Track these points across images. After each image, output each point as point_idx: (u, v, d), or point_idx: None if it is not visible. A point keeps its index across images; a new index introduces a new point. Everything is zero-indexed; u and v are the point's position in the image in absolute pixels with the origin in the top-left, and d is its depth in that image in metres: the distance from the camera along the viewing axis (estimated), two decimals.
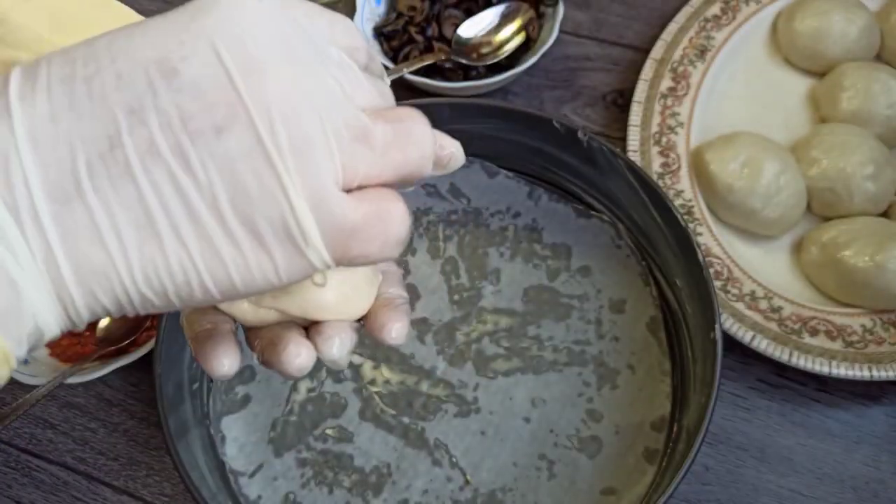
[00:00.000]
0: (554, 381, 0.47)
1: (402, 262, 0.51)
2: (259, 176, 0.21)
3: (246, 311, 0.27)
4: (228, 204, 0.21)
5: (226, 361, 0.27)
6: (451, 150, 0.29)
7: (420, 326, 0.49)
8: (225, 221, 0.21)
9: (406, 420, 0.46)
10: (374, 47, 0.61)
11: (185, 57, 0.21)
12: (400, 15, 0.63)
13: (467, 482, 0.44)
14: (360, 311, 0.29)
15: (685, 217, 0.50)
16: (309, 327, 0.28)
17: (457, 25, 0.61)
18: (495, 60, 0.60)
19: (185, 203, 0.21)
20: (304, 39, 0.23)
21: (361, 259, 0.23)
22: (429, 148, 0.25)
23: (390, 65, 0.59)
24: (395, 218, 0.24)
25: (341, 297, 0.28)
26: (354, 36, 0.26)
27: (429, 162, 0.25)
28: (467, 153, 0.53)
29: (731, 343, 0.48)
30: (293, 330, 0.27)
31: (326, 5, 0.71)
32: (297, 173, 0.21)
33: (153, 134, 0.20)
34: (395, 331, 0.28)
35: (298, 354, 0.26)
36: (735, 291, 0.50)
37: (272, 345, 0.27)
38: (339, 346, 0.27)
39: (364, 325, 0.29)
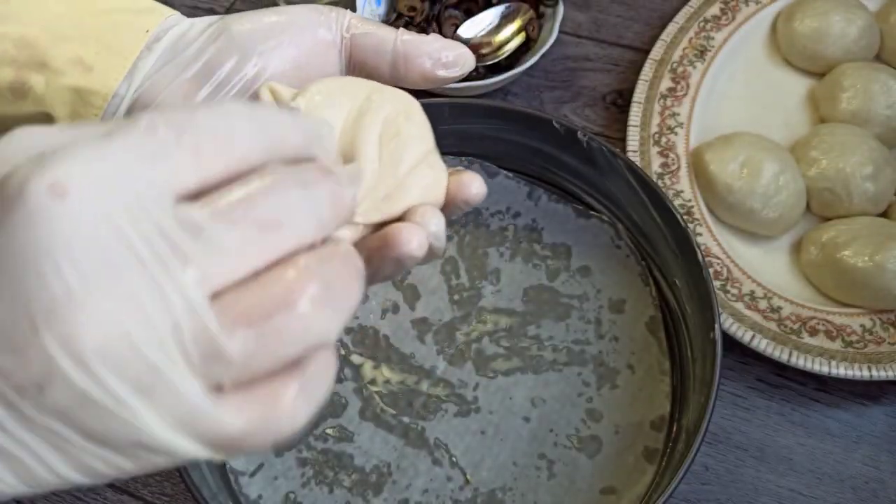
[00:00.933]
0: (554, 380, 0.47)
1: None
2: (106, 423, 0.18)
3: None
4: (88, 442, 0.19)
5: (416, 233, 0.27)
6: (458, 52, 0.30)
7: (420, 326, 0.49)
8: (99, 454, 0.19)
9: (406, 420, 0.46)
10: None
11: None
12: (400, 15, 0.63)
13: (467, 482, 0.44)
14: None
15: (685, 217, 0.50)
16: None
17: (457, 26, 0.61)
18: (495, 61, 0.60)
19: (36, 454, 0.19)
20: (129, 240, 0.18)
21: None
22: (315, 331, 0.19)
23: None
24: (283, 418, 0.20)
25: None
26: (213, 153, 0.19)
27: (321, 340, 0.20)
28: (467, 153, 0.53)
29: (731, 343, 0.48)
30: (397, 223, 0.27)
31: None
32: (148, 410, 0.18)
33: None
34: (476, 187, 0.30)
35: (415, 235, 0.26)
36: (734, 291, 0.50)
37: (384, 239, 0.26)
38: (437, 221, 0.28)
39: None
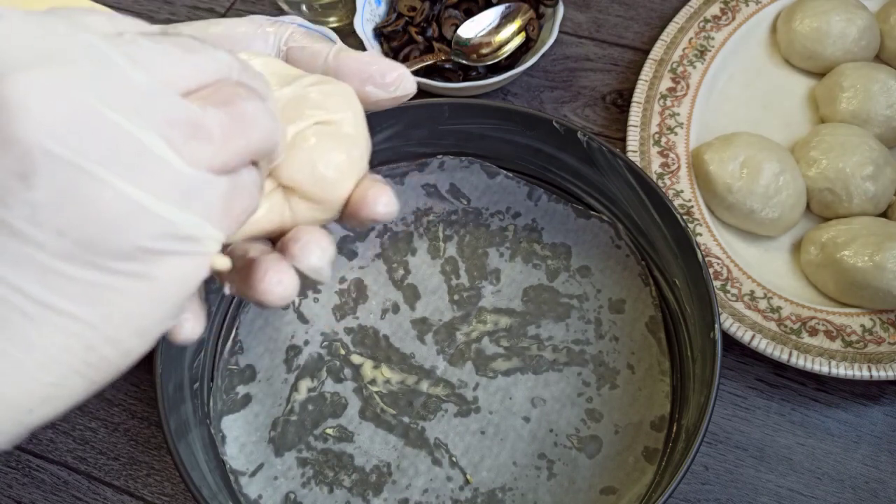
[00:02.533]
0: (553, 380, 0.47)
1: (402, 262, 0.51)
2: (104, 202, 0.18)
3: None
4: (83, 246, 0.18)
5: (282, 278, 0.24)
6: (396, 74, 0.28)
7: (420, 326, 0.49)
8: (95, 263, 0.19)
9: (406, 419, 0.46)
10: (375, 47, 0.61)
11: None
12: (400, 15, 0.63)
13: (467, 481, 0.44)
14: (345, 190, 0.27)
15: (684, 217, 0.50)
16: (275, 242, 0.26)
17: (457, 26, 0.61)
18: (495, 61, 0.60)
19: (41, 270, 0.18)
20: (76, 37, 0.19)
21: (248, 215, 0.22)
22: (267, 124, 0.22)
23: None
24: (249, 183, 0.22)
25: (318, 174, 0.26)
26: None
27: (274, 136, 0.23)
28: (467, 153, 0.54)
29: (731, 343, 0.48)
30: (269, 254, 0.25)
31: (325, 6, 0.71)
32: (139, 187, 0.19)
33: None
34: (383, 204, 0.26)
35: (280, 282, 0.24)
36: (734, 291, 0.50)
37: (247, 272, 0.24)
38: (319, 253, 0.25)
39: (343, 214, 0.27)
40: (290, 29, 0.31)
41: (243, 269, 0.24)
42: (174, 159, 0.19)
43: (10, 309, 0.18)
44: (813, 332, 0.48)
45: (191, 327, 0.24)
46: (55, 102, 0.18)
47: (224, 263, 0.23)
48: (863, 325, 0.48)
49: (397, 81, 0.29)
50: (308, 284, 0.25)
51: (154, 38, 0.21)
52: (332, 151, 0.26)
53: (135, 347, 0.21)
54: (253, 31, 0.31)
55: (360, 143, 0.28)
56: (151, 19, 0.72)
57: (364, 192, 0.27)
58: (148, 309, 0.20)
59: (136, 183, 0.19)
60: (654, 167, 0.55)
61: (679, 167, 0.55)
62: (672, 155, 0.56)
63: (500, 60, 0.60)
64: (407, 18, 0.62)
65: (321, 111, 0.27)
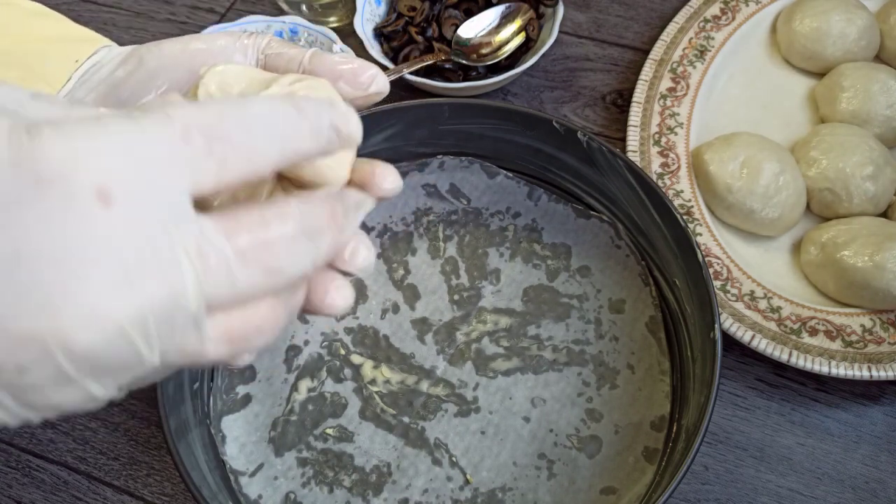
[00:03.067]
0: (553, 380, 0.47)
1: (402, 262, 0.51)
2: (63, 397, 0.19)
3: None
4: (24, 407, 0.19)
5: (344, 292, 0.26)
6: (369, 74, 0.29)
7: (420, 326, 0.49)
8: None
9: (406, 419, 0.46)
10: (375, 47, 0.61)
11: None
12: (400, 15, 0.63)
13: (467, 481, 0.44)
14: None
15: (684, 217, 0.50)
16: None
17: (457, 26, 0.61)
18: (495, 61, 0.60)
19: None
20: (154, 253, 0.19)
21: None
22: (292, 274, 0.22)
23: (390, 65, 0.59)
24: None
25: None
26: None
27: (289, 281, 0.22)
28: (467, 153, 0.53)
29: (731, 343, 0.48)
30: (327, 271, 0.26)
31: (325, 6, 0.71)
32: (103, 386, 0.20)
33: None
34: (390, 182, 0.28)
35: (343, 296, 0.26)
36: (734, 291, 0.50)
37: (309, 292, 0.26)
38: (365, 253, 0.26)
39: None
40: (267, 38, 0.32)
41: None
42: (154, 366, 0.20)
43: None
44: (813, 332, 0.48)
45: (342, 298, 0.26)
46: (94, 323, 0.18)
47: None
48: (863, 325, 0.48)
49: (369, 80, 0.30)
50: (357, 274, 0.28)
51: (238, 255, 0.20)
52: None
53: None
54: (231, 43, 0.31)
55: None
56: (152, 19, 0.72)
57: (371, 171, 0.28)
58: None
59: (104, 384, 0.19)
60: (654, 167, 0.55)
61: (679, 167, 0.55)
62: (672, 155, 0.56)
63: (500, 60, 0.60)
64: (407, 18, 0.62)
65: None
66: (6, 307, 0.18)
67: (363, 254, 0.26)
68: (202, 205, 0.21)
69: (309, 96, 0.25)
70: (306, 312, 0.26)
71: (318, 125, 0.23)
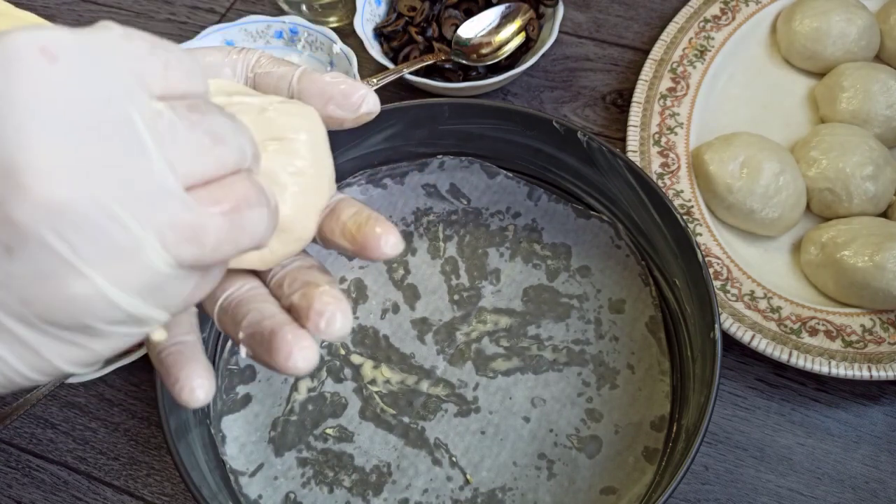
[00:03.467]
0: (553, 380, 0.47)
1: (402, 262, 0.51)
2: (73, 290, 0.19)
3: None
4: (41, 317, 0.19)
5: (200, 382, 0.25)
6: (359, 94, 0.29)
7: (420, 326, 0.49)
8: (44, 330, 0.20)
9: (406, 420, 0.46)
10: (375, 47, 0.61)
11: None
12: (400, 15, 0.63)
13: (467, 481, 0.44)
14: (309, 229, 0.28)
15: (684, 217, 0.50)
16: (290, 309, 0.27)
17: (457, 26, 0.61)
18: (495, 61, 0.60)
19: None
20: (107, 112, 0.19)
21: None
22: (262, 233, 0.23)
23: (390, 65, 0.59)
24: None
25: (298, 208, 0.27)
26: (173, 71, 0.21)
27: (265, 241, 0.23)
28: (467, 153, 0.53)
29: (731, 343, 0.48)
30: (286, 325, 0.26)
31: (325, 6, 0.71)
32: (114, 282, 0.19)
33: None
34: (391, 246, 0.27)
35: (305, 358, 0.25)
36: (734, 291, 0.50)
37: (265, 343, 0.25)
38: (342, 321, 0.26)
39: (350, 251, 0.28)
40: (257, 55, 0.31)
41: (261, 340, 0.25)
42: (160, 260, 0.20)
43: None
44: (813, 332, 0.48)
45: (203, 393, 0.25)
46: (65, 189, 0.18)
47: (161, 336, 0.24)
48: (863, 325, 0.48)
49: (359, 101, 0.29)
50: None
51: (192, 121, 0.21)
52: (285, 188, 0.27)
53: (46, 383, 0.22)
54: (220, 59, 0.31)
55: (317, 165, 0.28)
56: (151, 19, 0.72)
57: (370, 232, 0.27)
58: (74, 362, 0.21)
59: (114, 278, 0.19)
60: (654, 167, 0.55)
61: (679, 167, 0.55)
62: (672, 155, 0.56)
63: (500, 60, 0.60)
64: (407, 18, 0.62)
65: (275, 133, 0.27)
66: None
67: (339, 321, 0.26)
68: None
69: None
70: (260, 363, 0.26)
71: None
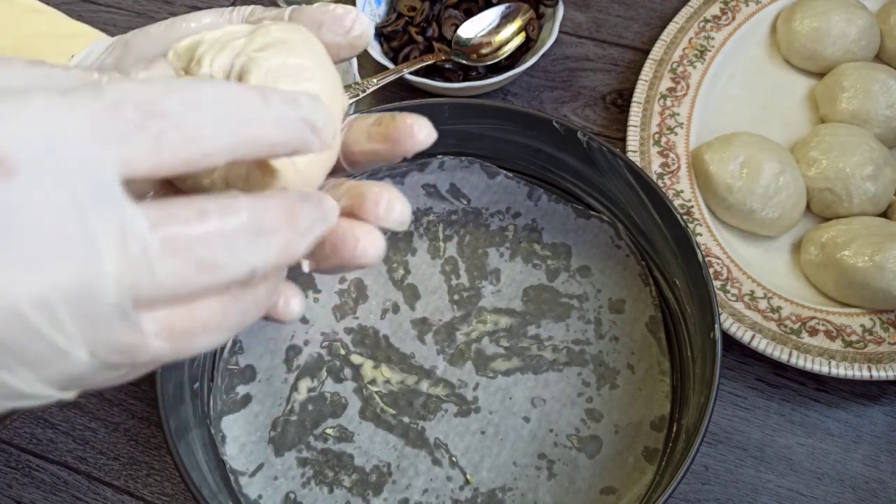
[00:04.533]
0: (553, 380, 0.47)
1: (402, 262, 0.51)
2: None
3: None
4: None
5: (374, 241, 0.24)
6: (350, 17, 0.28)
7: (420, 326, 0.49)
8: None
9: (406, 419, 0.46)
10: (375, 47, 0.61)
11: None
12: (400, 15, 0.63)
13: (467, 481, 0.44)
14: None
15: (684, 217, 0.50)
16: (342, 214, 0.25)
17: (457, 26, 0.61)
18: (495, 61, 0.60)
19: None
20: (68, 229, 0.17)
21: None
22: (209, 349, 0.21)
23: (390, 65, 0.59)
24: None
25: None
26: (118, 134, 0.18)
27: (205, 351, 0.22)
28: (467, 153, 0.53)
29: (731, 343, 0.48)
30: (347, 221, 0.25)
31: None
32: (24, 382, 0.18)
33: None
34: (398, 212, 0.25)
35: (374, 244, 0.24)
36: (734, 291, 0.50)
37: (334, 245, 0.24)
38: (401, 207, 0.25)
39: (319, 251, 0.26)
40: (251, 7, 0.31)
41: (322, 244, 0.24)
42: (83, 364, 0.18)
43: None
44: (813, 332, 0.48)
45: (297, 305, 0.25)
46: (5, 286, 0.17)
47: (71, 396, 0.22)
48: (863, 325, 0.48)
49: (351, 23, 0.28)
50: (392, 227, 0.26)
51: (174, 248, 0.18)
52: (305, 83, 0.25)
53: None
54: (217, 18, 0.30)
55: (324, 69, 0.27)
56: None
57: (402, 123, 0.26)
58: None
59: (27, 376, 0.18)
60: (654, 167, 0.55)
61: (679, 167, 0.55)
62: (672, 155, 0.56)
63: (500, 60, 0.60)
64: (407, 18, 0.62)
65: (272, 41, 0.26)
66: None
67: (398, 208, 0.25)
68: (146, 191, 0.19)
69: (287, 90, 0.22)
70: (326, 267, 0.25)
71: (284, 115, 0.21)
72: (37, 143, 0.17)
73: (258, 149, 0.20)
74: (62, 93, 0.18)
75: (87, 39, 0.34)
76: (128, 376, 0.20)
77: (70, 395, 0.19)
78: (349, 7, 0.29)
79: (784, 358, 0.46)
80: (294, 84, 0.25)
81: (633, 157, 0.55)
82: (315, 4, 0.30)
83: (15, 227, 0.16)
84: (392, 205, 0.25)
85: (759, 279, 0.50)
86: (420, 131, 0.26)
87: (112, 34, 0.73)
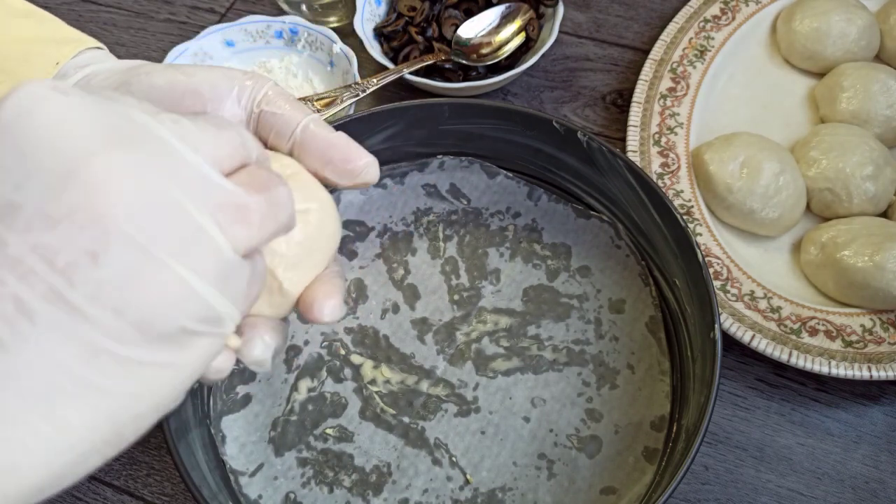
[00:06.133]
0: (553, 380, 0.47)
1: (402, 262, 0.51)
2: (163, 284, 0.19)
3: None
4: (136, 326, 0.19)
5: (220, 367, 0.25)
6: (362, 163, 0.29)
7: (420, 326, 0.49)
8: (142, 343, 0.19)
9: (406, 419, 0.46)
10: (375, 47, 0.61)
11: (19, 184, 0.18)
12: (400, 15, 0.63)
13: (467, 481, 0.44)
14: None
15: (684, 217, 0.50)
16: None
17: (457, 26, 0.61)
18: (495, 61, 0.60)
19: (90, 348, 0.18)
20: (132, 118, 0.20)
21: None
22: (290, 208, 0.24)
23: (390, 65, 0.59)
24: (283, 222, 0.24)
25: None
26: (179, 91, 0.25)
27: (294, 219, 0.24)
28: (467, 153, 0.53)
29: (731, 343, 0.48)
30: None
31: (325, 6, 0.71)
32: (193, 270, 0.20)
33: (16, 292, 0.17)
34: (329, 308, 0.28)
35: (218, 370, 0.25)
36: (734, 291, 0.50)
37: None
38: (262, 348, 0.26)
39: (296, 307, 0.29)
40: (265, 88, 0.30)
41: None
42: (223, 243, 0.21)
43: (54, 389, 0.18)
44: (813, 332, 0.48)
45: (262, 347, 0.26)
46: (134, 186, 0.18)
47: (236, 343, 0.24)
48: (863, 325, 0.48)
49: (358, 171, 0.29)
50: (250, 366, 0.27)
51: (188, 116, 0.22)
52: (290, 268, 0.27)
53: (148, 425, 0.21)
54: (227, 87, 0.30)
55: (320, 238, 0.28)
56: (151, 19, 0.72)
57: (313, 295, 0.28)
58: (171, 387, 0.21)
59: (191, 266, 0.20)
60: (654, 167, 0.55)
61: (679, 167, 0.55)
62: (672, 155, 0.56)
63: (500, 60, 0.60)
64: (407, 18, 0.62)
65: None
66: (37, 194, 0.18)
67: (259, 347, 0.26)
68: None
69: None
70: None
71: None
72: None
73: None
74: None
75: (74, 46, 0.34)
76: (254, 282, 0.23)
77: (235, 313, 0.22)
78: (361, 152, 0.29)
79: (784, 358, 0.46)
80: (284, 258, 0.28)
81: (633, 157, 0.55)
82: (332, 134, 0.29)
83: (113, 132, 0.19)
84: (252, 343, 0.26)
85: (759, 279, 0.50)
86: (323, 309, 0.28)
87: (112, 34, 0.73)
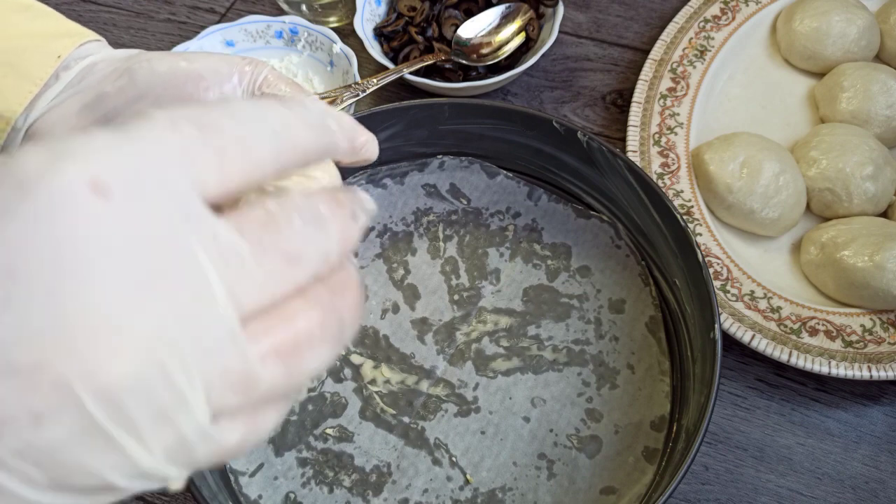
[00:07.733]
0: (553, 380, 0.47)
1: (402, 262, 0.51)
2: (103, 455, 0.16)
3: None
4: (53, 481, 0.16)
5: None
6: (363, 138, 0.27)
7: (420, 326, 0.49)
8: (51, 491, 0.16)
9: (406, 419, 0.46)
10: (375, 47, 0.61)
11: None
12: (400, 15, 0.63)
13: (467, 481, 0.44)
14: None
15: (684, 217, 0.50)
16: None
17: (457, 26, 0.61)
18: (495, 61, 0.60)
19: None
20: (169, 251, 0.16)
21: None
22: (323, 368, 0.20)
23: (390, 65, 0.59)
24: (266, 430, 0.19)
25: None
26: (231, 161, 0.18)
27: (319, 375, 0.21)
28: (467, 153, 0.53)
29: (731, 343, 0.48)
30: None
31: (325, 6, 0.71)
32: (147, 449, 0.16)
33: None
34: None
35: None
36: (734, 291, 0.50)
37: None
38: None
39: None
40: (265, 72, 0.30)
41: None
42: (201, 416, 0.17)
43: None
44: (813, 332, 0.48)
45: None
46: (129, 357, 0.15)
47: (178, 487, 0.20)
48: (863, 325, 0.48)
49: (358, 147, 0.28)
50: None
51: (263, 245, 0.18)
52: None
53: None
54: (227, 71, 0.29)
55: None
56: (151, 19, 0.72)
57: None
58: None
59: (149, 443, 0.16)
60: (654, 167, 0.55)
61: (679, 167, 0.55)
62: (672, 155, 0.56)
63: (500, 60, 0.60)
64: (407, 18, 0.62)
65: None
66: (8, 334, 0.15)
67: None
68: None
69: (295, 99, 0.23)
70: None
71: (310, 117, 0.21)
72: (122, 165, 0.16)
73: (297, 155, 0.20)
74: (115, 126, 0.17)
75: (75, 40, 0.34)
76: (238, 450, 0.19)
77: (179, 482, 0.18)
78: (360, 130, 0.28)
79: (784, 358, 0.46)
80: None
81: (633, 157, 0.55)
82: (328, 108, 0.29)
83: (125, 251, 0.16)
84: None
85: (759, 279, 0.50)
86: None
87: (112, 34, 0.73)
